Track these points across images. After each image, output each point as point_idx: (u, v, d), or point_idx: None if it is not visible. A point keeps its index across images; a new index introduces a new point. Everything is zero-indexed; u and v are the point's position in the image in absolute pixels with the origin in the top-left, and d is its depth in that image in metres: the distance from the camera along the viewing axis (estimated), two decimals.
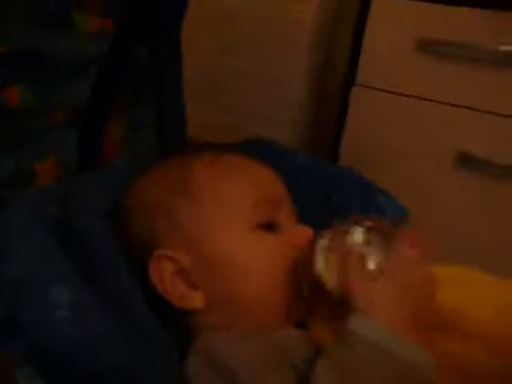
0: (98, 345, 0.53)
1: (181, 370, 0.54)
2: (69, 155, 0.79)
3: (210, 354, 0.53)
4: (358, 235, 0.56)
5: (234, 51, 1.25)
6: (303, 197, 0.70)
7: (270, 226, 0.62)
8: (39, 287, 0.55)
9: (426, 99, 1.08)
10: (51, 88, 0.74)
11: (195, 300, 0.59)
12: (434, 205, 1.07)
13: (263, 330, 0.56)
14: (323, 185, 0.79)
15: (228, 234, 0.60)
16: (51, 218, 0.64)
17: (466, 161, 1.06)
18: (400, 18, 1.08)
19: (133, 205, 0.65)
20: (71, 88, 0.77)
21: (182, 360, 0.55)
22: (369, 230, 0.56)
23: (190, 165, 0.65)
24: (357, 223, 0.57)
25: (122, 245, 0.62)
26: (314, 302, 0.57)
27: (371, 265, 0.53)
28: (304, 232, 0.63)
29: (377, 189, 0.79)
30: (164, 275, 0.59)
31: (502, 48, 0.99)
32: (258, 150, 0.75)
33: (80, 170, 0.79)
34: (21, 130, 0.73)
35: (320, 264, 0.55)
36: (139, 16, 0.81)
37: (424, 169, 1.09)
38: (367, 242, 0.55)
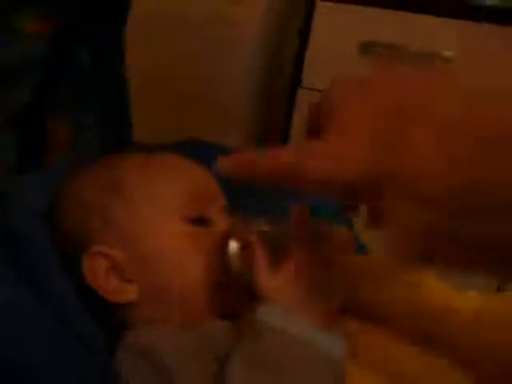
0: (25, 346, 0.53)
1: (111, 370, 0.54)
2: (9, 157, 0.79)
3: (142, 347, 0.54)
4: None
5: (178, 54, 1.25)
6: (238, 197, 0.71)
7: (201, 221, 0.63)
8: None
9: None
10: None
11: (129, 293, 0.60)
12: None
13: (195, 323, 0.57)
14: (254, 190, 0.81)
15: (159, 230, 0.61)
16: None
17: None
18: (343, 22, 1.10)
19: (67, 203, 0.66)
20: (12, 91, 0.77)
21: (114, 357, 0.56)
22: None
23: (121, 164, 0.66)
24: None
25: (57, 244, 0.63)
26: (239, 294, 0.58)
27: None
28: (232, 227, 0.64)
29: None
30: (98, 271, 0.60)
31: (445, 53, 1.03)
32: (193, 149, 0.76)
33: (20, 172, 0.79)
34: None
35: (231, 256, 0.59)
36: (79, 18, 0.81)
37: None
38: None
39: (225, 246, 0.60)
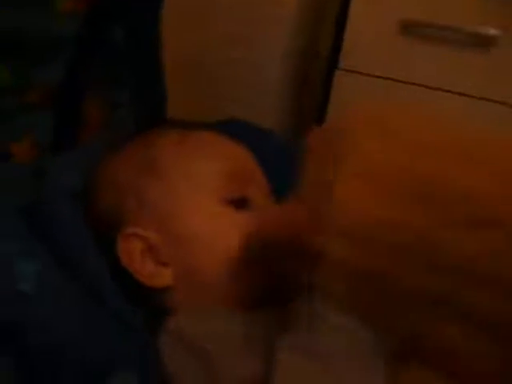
0: (59, 322, 0.52)
1: (152, 349, 0.53)
2: (45, 136, 0.78)
3: (183, 334, 0.52)
4: None
5: (217, 35, 1.24)
6: (277, 177, 0.69)
7: (241, 202, 0.61)
8: (4, 259, 0.54)
9: (409, 83, 1.08)
10: (27, 68, 0.73)
11: (164, 277, 0.58)
12: None
13: (237, 309, 0.55)
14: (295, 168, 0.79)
15: (196, 211, 0.59)
16: (22, 195, 0.63)
17: None
18: (383, 1, 1.07)
19: (101, 184, 0.65)
20: (47, 68, 0.76)
21: (155, 338, 0.54)
22: None
23: (157, 143, 0.64)
24: None
25: (91, 224, 0.61)
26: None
27: None
28: (274, 210, 0.61)
29: None
30: (133, 253, 0.58)
31: (486, 31, 0.99)
32: (233, 129, 0.74)
33: (56, 151, 0.78)
34: None
35: None
36: None
37: None
38: None
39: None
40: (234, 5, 1.19)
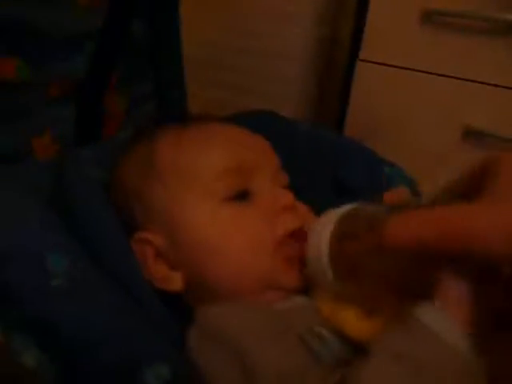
0: (94, 317, 0.52)
1: (183, 342, 0.52)
2: (66, 131, 0.78)
3: (211, 327, 0.51)
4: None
5: (236, 26, 1.23)
6: (306, 163, 0.68)
7: (242, 196, 0.59)
8: (36, 255, 0.53)
9: (431, 73, 1.06)
10: (48, 62, 0.72)
11: (176, 281, 0.57)
12: (440, 178, 1.05)
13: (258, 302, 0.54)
14: (326, 154, 0.77)
15: (196, 211, 0.57)
16: (48, 189, 0.63)
17: (471, 135, 1.04)
18: None
19: (113, 185, 0.65)
20: (68, 62, 0.75)
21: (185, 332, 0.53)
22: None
23: (157, 142, 0.63)
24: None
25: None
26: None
27: None
28: (278, 197, 0.59)
29: (383, 160, 0.77)
30: (146, 258, 0.58)
31: (509, 16, 0.97)
32: (259, 120, 0.74)
33: (78, 145, 0.78)
34: (17, 105, 0.71)
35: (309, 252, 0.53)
36: None
37: (429, 143, 1.08)
38: None
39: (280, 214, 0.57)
40: None
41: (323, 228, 0.52)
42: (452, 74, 1.05)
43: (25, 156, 0.73)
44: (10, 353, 0.48)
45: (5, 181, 0.62)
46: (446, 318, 0.42)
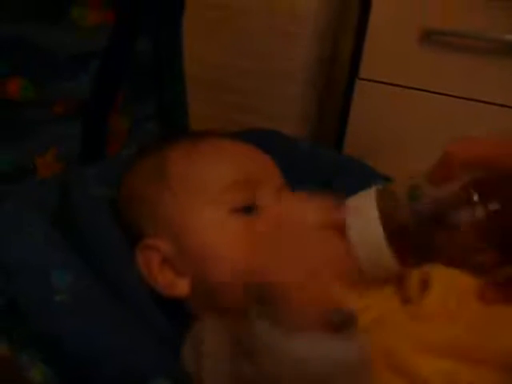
0: (96, 332, 0.53)
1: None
2: (70, 149, 0.79)
3: (197, 339, 0.51)
4: None
5: (236, 46, 1.24)
6: (305, 181, 0.69)
7: (249, 209, 0.60)
8: (40, 271, 0.55)
9: (430, 91, 1.07)
10: (52, 81, 0.73)
11: (181, 287, 0.58)
12: None
13: None
14: (325, 171, 0.79)
15: (203, 221, 0.59)
16: (52, 208, 0.64)
17: None
18: (403, 9, 1.06)
19: (122, 197, 0.66)
20: (72, 81, 0.76)
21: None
22: None
23: (166, 154, 0.64)
24: None
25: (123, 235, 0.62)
26: None
27: None
28: (285, 210, 0.60)
29: (379, 176, 0.78)
30: (151, 264, 0.59)
31: (509, 38, 0.98)
32: (261, 138, 0.74)
33: (83, 164, 0.79)
34: (21, 124, 0.72)
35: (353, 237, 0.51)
36: (140, 8, 0.81)
37: (428, 162, 1.08)
38: None
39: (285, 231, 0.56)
40: (254, 15, 1.19)
41: (364, 209, 0.50)
42: (452, 93, 1.05)
43: (27, 174, 0.74)
44: (17, 368, 0.49)
45: (10, 197, 0.63)
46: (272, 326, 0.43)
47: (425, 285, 0.54)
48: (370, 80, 1.12)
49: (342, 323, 0.44)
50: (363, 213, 0.50)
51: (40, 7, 0.69)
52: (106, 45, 0.78)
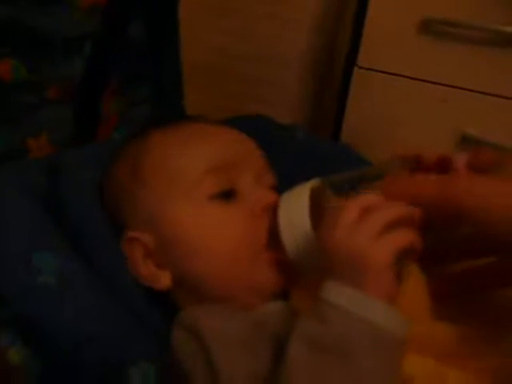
0: (79, 317, 0.53)
1: (167, 342, 0.53)
2: (62, 132, 0.79)
3: (191, 326, 0.51)
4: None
5: (234, 30, 1.24)
6: (297, 170, 0.69)
7: (227, 195, 0.58)
8: (22, 253, 0.54)
9: (428, 81, 1.07)
10: (46, 64, 0.73)
11: (164, 279, 0.58)
12: None
13: (244, 305, 0.55)
14: (319, 159, 0.79)
15: (181, 211, 0.58)
16: (41, 189, 0.64)
17: (468, 144, 1.04)
18: None
19: (104, 186, 0.65)
20: (65, 64, 0.76)
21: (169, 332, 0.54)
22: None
23: (143, 143, 0.63)
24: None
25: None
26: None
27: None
28: (262, 197, 0.59)
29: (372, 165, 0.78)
30: (135, 257, 0.58)
31: (508, 29, 0.97)
32: (256, 124, 0.74)
33: (75, 146, 0.78)
34: (14, 106, 0.72)
35: (280, 224, 0.53)
36: None
37: (426, 151, 1.08)
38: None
39: (262, 218, 0.57)
40: (255, 3, 1.19)
41: (296, 197, 0.53)
42: (449, 83, 1.05)
43: (20, 156, 0.74)
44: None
45: (2, 178, 0.63)
46: (354, 293, 0.44)
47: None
48: (368, 69, 1.11)
49: None
50: (294, 200, 0.53)
51: None
52: (100, 28, 0.77)
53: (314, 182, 0.55)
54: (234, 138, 0.64)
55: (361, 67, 1.12)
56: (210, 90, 1.26)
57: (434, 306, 0.51)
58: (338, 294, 0.44)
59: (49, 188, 0.64)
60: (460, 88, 1.03)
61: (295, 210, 0.52)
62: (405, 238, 0.45)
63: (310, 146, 0.82)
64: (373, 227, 0.45)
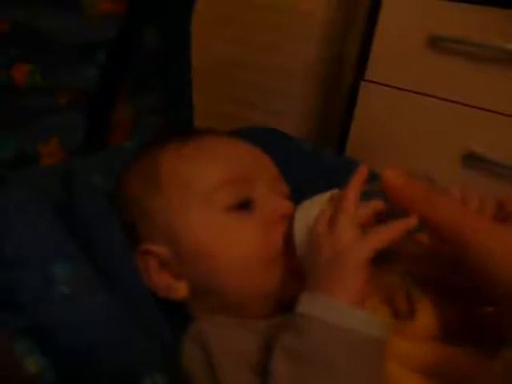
0: (94, 325, 0.53)
1: (176, 353, 0.53)
2: (73, 138, 0.79)
3: (201, 338, 0.52)
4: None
5: (242, 43, 1.24)
6: (307, 182, 0.69)
7: (244, 205, 0.59)
8: (40, 261, 0.55)
9: (434, 97, 1.08)
10: (58, 70, 0.74)
11: (180, 290, 0.58)
12: None
13: (258, 315, 0.56)
14: (326, 172, 0.79)
15: (198, 221, 0.58)
16: (54, 196, 0.64)
17: (472, 160, 1.05)
18: (412, 14, 1.07)
19: (117, 198, 0.65)
20: (78, 71, 0.76)
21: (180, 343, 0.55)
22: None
23: (158, 155, 0.63)
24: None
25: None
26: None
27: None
28: (279, 206, 0.60)
29: (378, 178, 0.78)
30: (149, 269, 0.59)
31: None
32: (264, 136, 0.74)
33: (85, 153, 0.79)
34: (26, 111, 0.72)
35: (296, 230, 0.55)
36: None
37: (429, 167, 1.08)
38: None
39: (279, 227, 0.57)
40: (263, 12, 1.19)
41: (312, 208, 0.54)
42: (455, 99, 1.06)
43: (31, 161, 0.74)
44: (13, 358, 0.49)
45: (15, 185, 0.63)
46: (328, 301, 0.46)
47: (411, 304, 0.55)
48: (375, 82, 1.13)
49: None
50: (311, 209, 0.54)
51: None
52: (114, 36, 0.78)
53: (332, 193, 0.55)
54: (247, 150, 0.65)
55: (368, 80, 1.13)
56: (217, 98, 1.26)
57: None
58: (312, 304, 0.46)
59: (61, 196, 0.65)
60: (465, 105, 1.04)
61: (311, 219, 0.53)
62: (384, 237, 0.48)
63: (316, 159, 0.82)
64: (351, 223, 0.49)
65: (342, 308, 0.45)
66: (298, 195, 0.63)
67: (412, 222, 0.47)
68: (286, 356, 0.45)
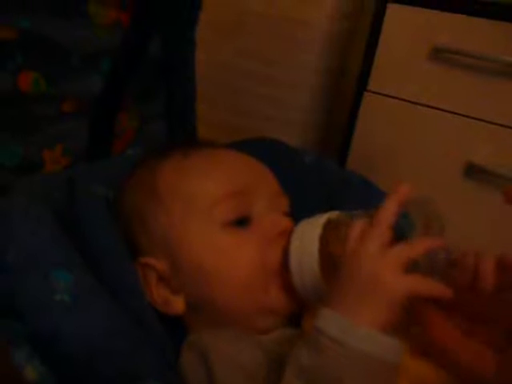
0: (93, 333, 0.53)
1: (175, 362, 0.54)
2: (77, 145, 0.79)
3: (201, 349, 0.53)
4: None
5: (248, 53, 1.25)
6: (308, 194, 0.69)
7: (242, 221, 0.59)
8: (41, 269, 0.55)
9: (436, 108, 1.08)
10: (64, 78, 0.74)
11: (177, 305, 0.59)
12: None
13: (254, 328, 0.56)
14: (328, 185, 0.80)
15: (195, 237, 0.58)
16: (56, 203, 0.64)
17: (474, 172, 1.05)
18: (414, 26, 1.07)
19: (118, 210, 0.65)
20: (82, 79, 0.77)
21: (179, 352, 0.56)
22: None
23: (158, 168, 0.64)
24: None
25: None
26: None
27: None
28: (277, 223, 0.60)
29: (379, 191, 0.79)
30: (148, 282, 0.59)
31: None
32: (265, 148, 0.75)
33: (88, 160, 0.79)
34: (31, 117, 0.73)
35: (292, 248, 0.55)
36: (155, 9, 0.81)
37: (431, 178, 1.09)
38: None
39: (277, 243, 0.58)
40: (267, 23, 1.20)
41: (309, 230, 0.55)
42: (457, 111, 1.06)
43: (35, 168, 0.74)
44: (12, 365, 0.49)
45: (18, 191, 0.63)
46: (347, 322, 0.45)
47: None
48: (377, 93, 1.13)
49: None
50: (306, 233, 0.55)
51: (58, 3, 0.70)
52: (119, 44, 0.78)
53: (331, 215, 0.56)
54: (247, 164, 0.65)
55: (370, 91, 1.13)
56: (218, 107, 1.26)
57: None
58: (334, 323, 0.45)
59: (63, 203, 0.65)
60: (468, 116, 1.05)
61: (307, 241, 0.54)
62: (428, 286, 0.46)
63: (317, 172, 0.82)
64: (399, 258, 0.46)
65: (365, 332, 0.44)
66: (299, 208, 0.65)
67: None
68: (301, 374, 0.45)
